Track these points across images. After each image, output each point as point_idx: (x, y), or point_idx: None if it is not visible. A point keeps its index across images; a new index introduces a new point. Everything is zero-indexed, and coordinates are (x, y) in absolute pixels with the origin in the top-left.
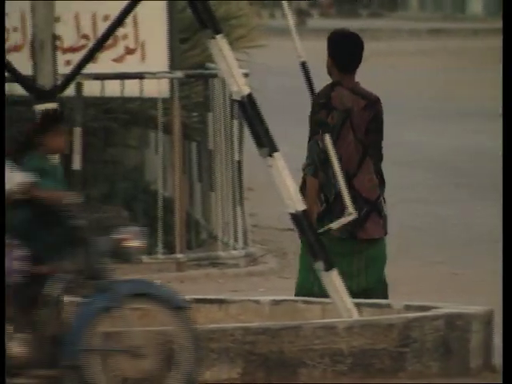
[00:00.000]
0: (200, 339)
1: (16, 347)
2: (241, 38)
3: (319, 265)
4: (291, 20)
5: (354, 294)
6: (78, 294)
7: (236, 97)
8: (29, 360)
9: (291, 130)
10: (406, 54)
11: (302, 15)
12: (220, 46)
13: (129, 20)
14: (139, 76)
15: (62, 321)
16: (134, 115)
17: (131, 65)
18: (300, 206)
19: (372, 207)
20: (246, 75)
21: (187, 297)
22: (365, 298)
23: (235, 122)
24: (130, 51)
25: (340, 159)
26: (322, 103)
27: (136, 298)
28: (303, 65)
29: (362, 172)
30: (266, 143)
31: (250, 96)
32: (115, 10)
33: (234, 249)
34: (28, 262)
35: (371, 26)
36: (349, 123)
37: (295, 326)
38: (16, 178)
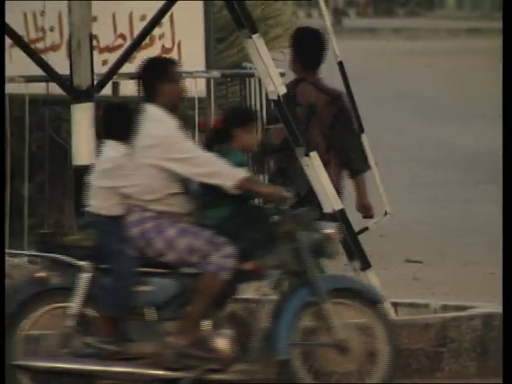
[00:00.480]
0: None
1: (219, 343)
2: (277, 38)
3: (355, 264)
4: (328, 19)
5: None
6: (280, 290)
7: (273, 96)
8: (231, 355)
9: None
10: (444, 53)
11: (338, 14)
12: (257, 45)
13: (165, 20)
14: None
15: (260, 316)
16: None
17: None
18: (337, 205)
19: None
20: (282, 75)
21: None
22: None
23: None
24: (166, 51)
25: None
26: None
27: (337, 292)
28: (340, 64)
29: (329, 165)
30: (302, 143)
31: (286, 95)
32: (152, 9)
33: None
34: (236, 258)
35: (408, 25)
36: (314, 118)
37: None
38: (239, 174)
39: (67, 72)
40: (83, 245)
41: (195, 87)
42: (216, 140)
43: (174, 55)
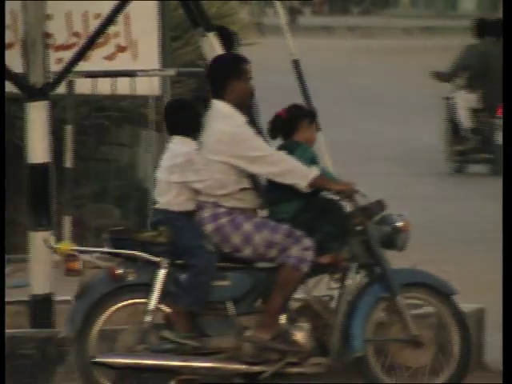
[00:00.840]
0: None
1: (298, 336)
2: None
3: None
4: (283, 18)
5: None
6: (353, 284)
7: None
8: (309, 348)
9: None
10: (399, 51)
11: (293, 13)
12: (212, 43)
13: (120, 18)
14: (131, 74)
15: (332, 309)
16: (125, 113)
17: (123, 63)
18: None
19: None
20: None
21: None
22: None
23: None
24: (121, 49)
25: None
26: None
27: (410, 286)
28: (295, 62)
29: None
30: None
31: None
32: (106, 8)
33: None
34: (314, 251)
35: (363, 24)
36: None
37: None
38: (312, 173)
39: (22, 70)
40: (158, 241)
41: (150, 86)
42: (279, 132)
43: (128, 54)
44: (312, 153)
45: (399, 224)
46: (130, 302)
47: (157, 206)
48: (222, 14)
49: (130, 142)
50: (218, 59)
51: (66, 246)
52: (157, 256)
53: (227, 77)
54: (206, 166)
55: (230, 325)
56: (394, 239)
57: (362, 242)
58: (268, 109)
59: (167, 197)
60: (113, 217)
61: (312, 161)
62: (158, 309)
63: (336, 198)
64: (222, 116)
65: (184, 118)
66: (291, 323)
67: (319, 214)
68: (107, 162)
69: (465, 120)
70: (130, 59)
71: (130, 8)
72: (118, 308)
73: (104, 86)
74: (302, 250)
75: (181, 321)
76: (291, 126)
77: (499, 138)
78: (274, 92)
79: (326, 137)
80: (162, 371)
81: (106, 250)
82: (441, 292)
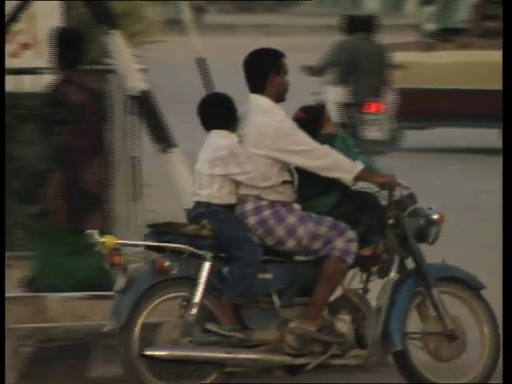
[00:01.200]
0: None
1: (341, 328)
2: (138, 34)
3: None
4: (188, 16)
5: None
6: (390, 277)
7: (132, 92)
8: (351, 340)
9: (189, 125)
10: (305, 49)
11: (199, 11)
12: (116, 41)
13: (24, 16)
14: (34, 71)
15: (368, 302)
16: (29, 111)
17: (27, 60)
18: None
19: (96, 200)
20: (143, 71)
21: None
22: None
23: (132, 118)
24: (25, 47)
25: (74, 154)
26: (51, 99)
27: (442, 280)
28: (199, 60)
29: (90, 166)
30: (163, 139)
31: (146, 92)
32: (9, 5)
33: None
34: (357, 244)
35: (269, 22)
36: (79, 117)
37: None
38: (357, 167)
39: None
40: (202, 234)
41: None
42: (311, 126)
43: (33, 51)
44: (352, 142)
45: (435, 217)
46: (174, 295)
47: (198, 200)
48: (128, 11)
49: (33, 139)
50: (256, 54)
51: (111, 239)
52: (200, 249)
53: (267, 71)
54: (249, 158)
55: (273, 317)
56: (426, 232)
57: (397, 235)
58: (178, 107)
59: (209, 190)
60: (17, 215)
61: (350, 150)
62: (202, 302)
63: (371, 190)
64: (263, 110)
65: (222, 111)
66: (333, 315)
67: (358, 206)
68: (12, 160)
69: (333, 115)
70: (35, 57)
71: (34, 5)
72: (162, 301)
73: (8, 83)
74: (347, 241)
75: (225, 313)
76: (315, 125)
77: (368, 132)
78: (180, 89)
79: None
80: (208, 363)
81: (151, 243)
82: (471, 286)
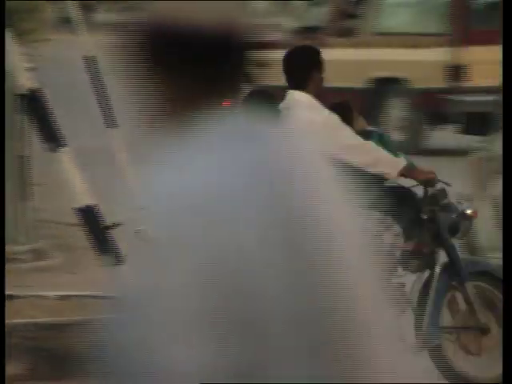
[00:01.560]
0: None
1: None
2: (31, 32)
3: (107, 259)
4: (77, 14)
5: None
6: (423, 271)
7: (21, 91)
8: None
9: (79, 124)
10: None
11: (88, 9)
12: (5, 39)
13: None
14: None
15: (406, 296)
16: None
17: None
18: (86, 200)
19: None
20: (32, 69)
21: None
22: None
23: (21, 117)
24: None
25: None
26: None
27: (473, 274)
28: (87, 59)
29: None
30: (52, 138)
31: (35, 90)
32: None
33: (17, 244)
34: (400, 238)
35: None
36: None
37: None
38: (401, 163)
39: None
40: None
41: None
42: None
43: None
44: (388, 138)
45: (469, 212)
46: None
47: None
48: (20, 8)
49: None
50: (296, 51)
51: None
52: None
53: (309, 68)
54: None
55: None
56: (458, 227)
57: (431, 230)
58: (68, 106)
59: None
60: None
61: (388, 146)
62: None
63: (408, 186)
64: (306, 106)
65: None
66: None
67: (397, 201)
68: None
69: None
70: None
71: None
72: None
73: None
74: (393, 235)
75: None
76: (345, 121)
77: None
78: (70, 88)
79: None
80: None
81: None
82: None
